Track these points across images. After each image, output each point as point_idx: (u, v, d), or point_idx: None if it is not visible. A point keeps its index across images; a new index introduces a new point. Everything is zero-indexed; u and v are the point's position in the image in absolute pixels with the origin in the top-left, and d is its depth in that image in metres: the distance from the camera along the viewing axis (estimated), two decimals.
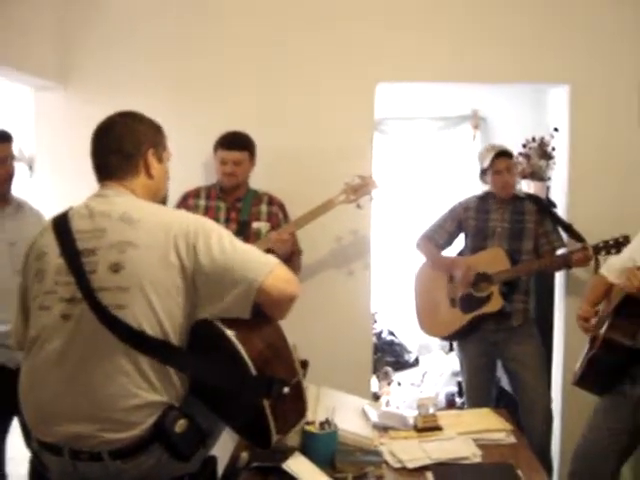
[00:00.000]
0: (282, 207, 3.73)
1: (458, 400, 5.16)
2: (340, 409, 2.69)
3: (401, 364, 6.03)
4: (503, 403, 4.42)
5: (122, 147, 2.15)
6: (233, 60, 3.96)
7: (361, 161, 3.95)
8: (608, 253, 3.50)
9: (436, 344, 5.93)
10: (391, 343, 6.13)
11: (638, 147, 2.87)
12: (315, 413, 2.55)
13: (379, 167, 5.78)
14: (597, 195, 3.95)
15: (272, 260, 2.02)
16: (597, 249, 3.56)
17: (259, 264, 1.98)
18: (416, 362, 6.08)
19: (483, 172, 3.92)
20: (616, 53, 3.96)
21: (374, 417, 2.76)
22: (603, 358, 2.93)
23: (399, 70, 3.99)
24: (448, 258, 4.04)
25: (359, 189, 3.56)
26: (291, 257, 3.56)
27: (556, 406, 4.10)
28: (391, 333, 6.21)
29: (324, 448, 2.40)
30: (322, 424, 2.44)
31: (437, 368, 5.69)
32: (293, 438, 2.41)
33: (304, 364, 2.77)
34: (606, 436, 3.02)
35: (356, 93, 3.98)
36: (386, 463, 2.46)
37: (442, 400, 5.25)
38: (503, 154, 3.86)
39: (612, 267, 3.16)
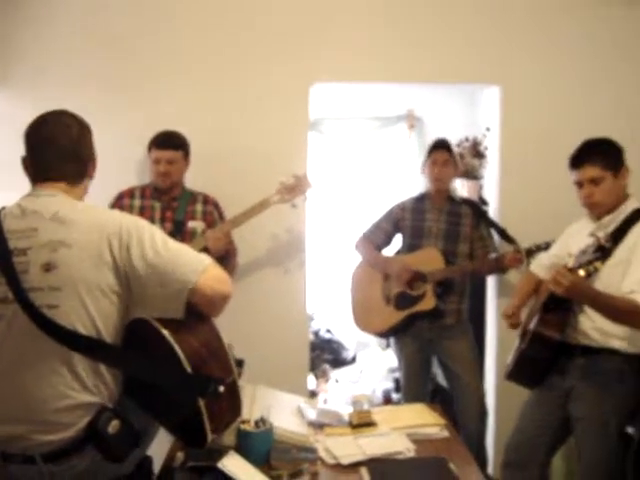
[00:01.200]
0: (217, 206, 3.73)
1: (395, 396, 5.21)
2: (276, 407, 2.71)
3: (339, 361, 6.06)
4: (439, 398, 4.50)
5: (79, 152, 2.15)
6: (168, 60, 3.93)
7: (296, 161, 3.97)
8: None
9: (373, 341, 5.97)
10: (329, 341, 6.16)
11: (567, 148, 2.94)
12: (251, 412, 2.56)
13: (316, 167, 5.83)
14: (527, 193, 4.05)
15: (205, 259, 2.02)
16: (529, 252, 3.65)
17: (192, 264, 1.98)
18: (354, 359, 6.12)
19: (423, 163, 3.99)
20: (546, 55, 4.06)
21: (310, 415, 2.79)
22: (533, 352, 3.00)
23: (334, 71, 4.02)
24: (384, 257, 4.09)
25: (294, 189, 3.58)
26: (226, 256, 3.57)
27: (490, 400, 4.19)
28: (329, 331, 6.23)
29: (259, 446, 2.41)
30: (257, 423, 2.45)
31: (374, 365, 5.73)
32: (229, 437, 2.42)
33: (240, 363, 2.76)
34: (537, 428, 3.11)
35: (291, 93, 4.00)
36: (321, 460, 2.49)
37: (379, 396, 5.29)
38: (442, 146, 3.93)
39: (541, 263, 3.26)
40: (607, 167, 2.89)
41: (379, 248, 4.09)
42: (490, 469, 4.15)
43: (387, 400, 5.23)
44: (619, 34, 4.05)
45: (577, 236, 3.02)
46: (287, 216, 3.79)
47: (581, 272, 2.63)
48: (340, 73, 4.03)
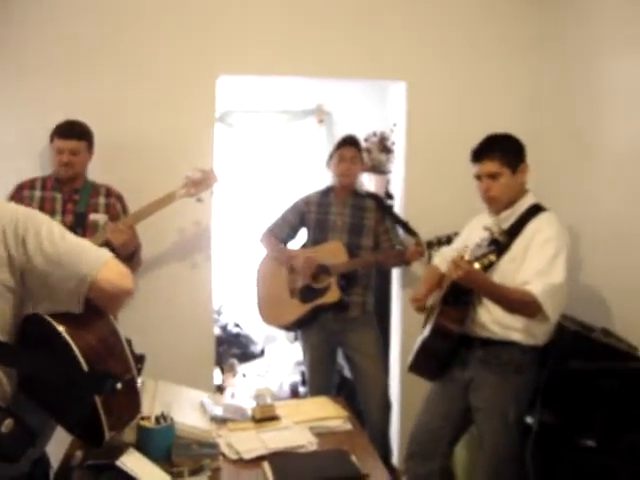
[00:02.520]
0: (120, 199, 3.65)
1: (302, 389, 5.23)
2: (178, 403, 2.69)
3: (247, 355, 6.05)
4: (345, 391, 4.53)
5: None
6: (73, 51, 3.81)
7: (202, 154, 3.92)
8: (440, 248, 3.64)
9: (282, 335, 5.98)
10: (237, 335, 6.13)
11: (471, 144, 3.00)
12: (152, 407, 2.53)
13: (224, 160, 5.80)
14: (432, 188, 4.11)
15: (105, 253, 1.99)
16: (430, 244, 3.71)
17: (91, 258, 1.94)
18: (262, 353, 6.12)
19: (330, 157, 4.00)
20: (451, 52, 4.13)
21: (212, 410, 2.77)
22: (434, 344, 3.06)
23: (240, 63, 3.97)
24: (289, 250, 4.10)
25: (200, 183, 3.54)
26: (132, 251, 3.51)
27: (395, 392, 4.25)
28: (237, 325, 6.21)
29: (160, 443, 2.38)
30: (158, 418, 2.42)
31: (282, 358, 5.75)
32: (129, 434, 2.39)
33: (140, 359, 2.72)
34: (439, 419, 3.17)
35: (197, 86, 3.93)
36: (223, 455, 2.48)
37: (286, 390, 5.31)
38: (351, 143, 3.95)
39: (443, 257, 3.32)
40: (505, 163, 2.96)
41: (284, 242, 4.10)
42: (395, 460, 4.21)
43: (294, 393, 5.24)
44: (524, 32, 4.14)
45: (476, 230, 3.09)
46: (193, 210, 3.73)
47: (476, 265, 2.70)
48: (246, 66, 4.00)
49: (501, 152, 2.97)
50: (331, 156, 3.99)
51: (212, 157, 3.97)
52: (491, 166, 2.96)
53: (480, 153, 3.01)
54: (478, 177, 3.03)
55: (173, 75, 3.91)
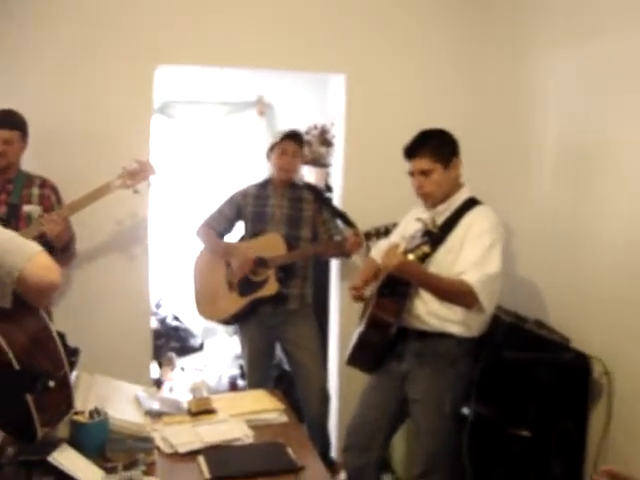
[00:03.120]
0: (55, 190, 3.58)
1: (241, 382, 5.21)
2: (113, 397, 2.66)
3: (186, 349, 5.99)
4: (284, 384, 4.53)
5: None
6: (7, 39, 3.71)
7: (140, 145, 3.86)
8: (378, 239, 3.65)
9: (221, 328, 5.92)
10: (176, 328, 6.08)
11: (409, 137, 3.02)
12: (86, 402, 2.49)
13: (164, 151, 5.75)
14: (370, 181, 4.12)
15: (33, 247, 1.95)
16: (368, 235, 3.71)
17: (19, 251, 1.91)
18: (201, 347, 6.07)
19: (271, 149, 3.97)
20: (391, 45, 4.14)
21: (147, 404, 2.74)
22: (370, 337, 3.06)
23: (179, 54, 3.91)
24: (227, 243, 4.07)
25: (136, 174, 3.49)
26: (66, 243, 3.45)
27: (333, 385, 4.26)
28: (176, 318, 6.16)
29: (94, 438, 2.34)
30: (92, 413, 2.38)
31: (221, 352, 5.72)
32: (62, 429, 2.34)
33: (74, 352, 2.68)
34: (376, 411, 3.19)
35: (134, 76, 3.86)
36: (158, 449, 2.45)
37: (225, 383, 5.28)
38: (294, 137, 3.94)
39: (380, 249, 3.34)
40: (437, 159, 2.97)
41: (221, 235, 4.06)
42: (334, 454, 4.22)
43: (233, 387, 5.22)
44: (464, 27, 4.18)
45: (412, 223, 3.10)
46: (130, 202, 3.68)
47: (411, 256, 2.72)
48: (185, 56, 3.94)
49: (433, 149, 2.98)
50: (272, 148, 3.96)
51: (149, 148, 3.92)
52: (423, 163, 2.98)
53: (412, 150, 3.03)
54: (411, 173, 3.05)
55: (110, 65, 3.83)
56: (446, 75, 4.21)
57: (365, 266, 3.43)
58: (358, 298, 3.24)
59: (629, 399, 2.91)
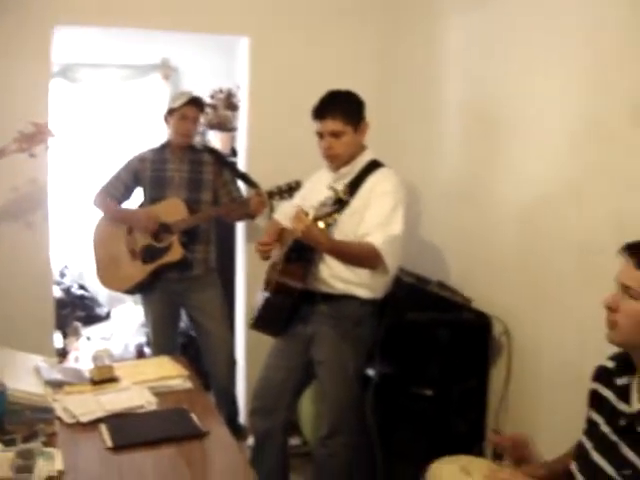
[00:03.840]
0: None
1: (147, 350, 5.15)
2: (11, 368, 2.59)
3: (92, 318, 5.88)
4: (192, 351, 4.50)
5: None
6: None
7: (37, 109, 3.72)
8: (282, 199, 3.63)
9: (128, 296, 5.86)
10: (81, 297, 5.95)
11: (313, 101, 3.00)
12: None
13: (65, 116, 5.57)
14: (274, 144, 4.09)
15: None
16: (271, 194, 3.68)
17: None
18: (108, 315, 5.97)
19: (170, 113, 3.88)
20: (294, 8, 4.10)
21: (47, 374, 2.67)
22: (277, 301, 3.06)
23: (78, 13, 3.77)
24: (126, 210, 3.98)
25: (33, 137, 3.37)
26: None
27: (240, 350, 4.26)
28: (81, 287, 6.03)
29: None
30: None
31: (128, 320, 5.63)
32: None
33: None
34: (281, 374, 3.20)
35: (30, 37, 3.70)
36: (59, 419, 2.41)
37: (132, 351, 5.21)
38: (196, 102, 3.87)
39: (284, 211, 3.32)
40: (348, 122, 2.97)
41: (119, 201, 3.95)
42: (242, 419, 4.23)
43: (140, 355, 5.15)
44: None
45: (317, 187, 3.10)
46: (27, 167, 3.56)
47: (321, 224, 2.71)
48: (84, 16, 3.80)
49: (344, 111, 2.97)
50: (171, 112, 3.88)
51: (47, 112, 3.78)
52: (335, 125, 2.96)
53: (322, 111, 3.00)
54: (320, 134, 3.03)
55: (5, 25, 3.67)
56: (350, 40, 4.19)
57: (269, 227, 3.41)
58: (265, 254, 3.19)
59: (527, 357, 3.00)
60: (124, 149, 5.53)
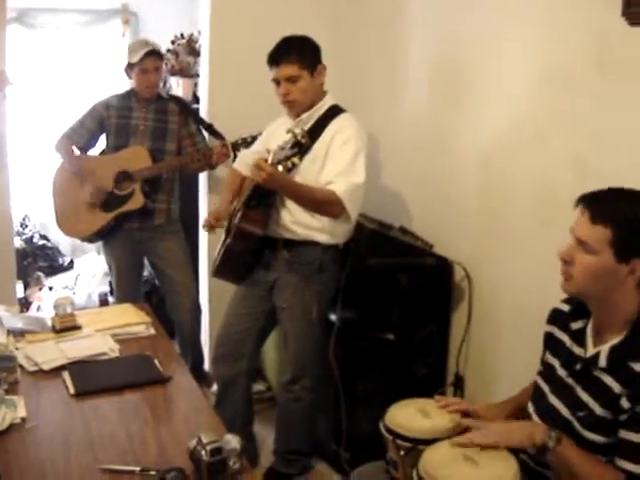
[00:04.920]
0: None
1: (111, 300, 5.13)
2: None
3: (55, 268, 5.83)
4: (156, 299, 4.51)
5: None
6: None
7: None
8: (246, 149, 3.61)
9: (91, 245, 5.78)
10: (43, 247, 5.89)
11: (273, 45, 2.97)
12: None
13: (23, 63, 5.45)
14: (236, 91, 4.02)
15: None
16: (235, 145, 3.66)
17: None
18: (71, 265, 5.92)
19: (130, 66, 3.82)
20: None
21: (9, 322, 2.66)
22: (238, 248, 3.05)
23: None
24: (85, 159, 3.91)
25: None
26: None
27: (204, 298, 4.26)
28: (43, 237, 5.97)
29: None
30: None
31: (91, 269, 5.60)
32: None
33: None
34: (243, 321, 3.21)
35: None
36: (22, 367, 2.41)
37: (95, 300, 5.18)
38: (154, 53, 3.80)
39: (243, 160, 3.30)
40: (304, 66, 2.93)
41: (83, 149, 3.90)
42: (207, 366, 4.25)
43: (103, 303, 5.12)
44: None
45: (276, 133, 3.07)
46: None
47: (280, 168, 2.69)
48: None
49: (299, 55, 2.94)
50: (131, 65, 3.80)
51: (3, 59, 3.69)
52: (290, 70, 2.93)
53: (277, 56, 2.97)
54: (276, 81, 2.99)
55: None
56: None
57: (228, 179, 3.40)
58: (211, 228, 3.22)
59: (488, 301, 3.04)
60: (84, 96, 5.43)
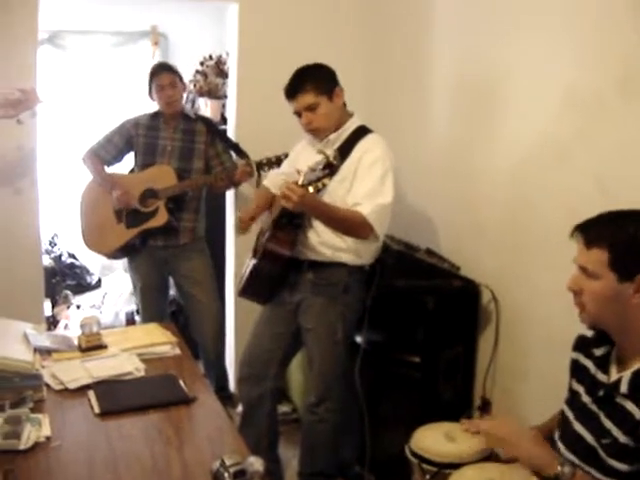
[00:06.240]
0: None
1: (138, 319, 5.16)
2: (0, 335, 2.59)
3: (83, 287, 5.88)
4: (182, 318, 4.52)
5: None
6: None
7: (24, 76, 3.68)
8: (270, 169, 3.62)
9: (119, 264, 5.84)
10: (71, 266, 5.95)
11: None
12: None
13: (53, 83, 5.52)
14: (262, 112, 4.03)
15: None
16: (260, 165, 3.67)
17: None
18: (98, 284, 5.97)
19: (150, 90, 3.88)
20: None
21: (36, 341, 2.68)
22: (265, 269, 3.06)
23: None
24: (112, 177, 3.95)
25: (19, 103, 3.33)
26: None
27: (230, 318, 4.26)
28: (72, 256, 6.02)
29: None
30: None
31: (118, 288, 5.63)
32: None
33: None
34: (269, 342, 3.20)
35: (18, 3, 3.66)
36: (48, 386, 2.41)
37: (122, 319, 5.22)
38: (164, 69, 3.84)
39: (273, 179, 3.32)
40: (320, 92, 2.95)
41: (109, 164, 3.96)
42: (232, 387, 4.24)
43: (130, 322, 5.16)
44: None
45: (305, 153, 3.09)
46: (15, 133, 3.52)
47: (310, 189, 2.69)
48: None
49: (313, 83, 2.95)
50: (150, 87, 3.86)
51: (35, 77, 3.75)
52: (307, 99, 2.95)
53: (292, 89, 2.99)
54: (297, 113, 3.01)
55: None
56: (339, 7, 4.15)
57: (257, 196, 3.41)
58: (244, 230, 3.21)
59: (515, 324, 3.00)
60: (113, 116, 5.49)
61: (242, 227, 3.21)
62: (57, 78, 5.78)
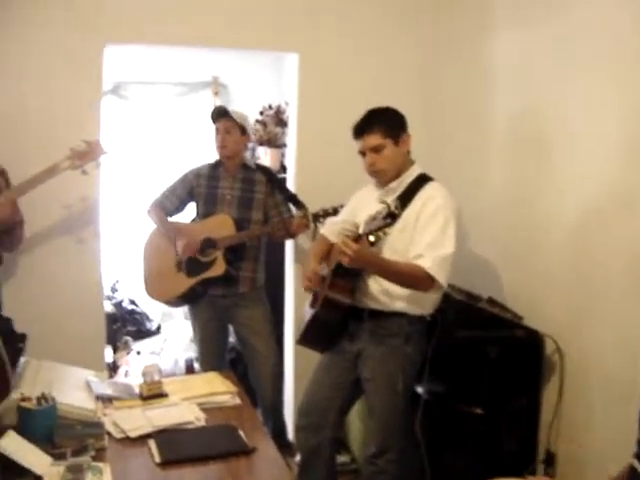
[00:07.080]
0: (3, 173, 3.49)
1: (197, 366, 5.16)
2: (62, 382, 2.62)
3: (143, 333, 5.94)
4: (241, 367, 4.51)
5: None
6: None
7: (89, 126, 3.78)
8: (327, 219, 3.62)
9: (178, 311, 5.89)
10: (132, 312, 6.02)
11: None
12: (33, 388, 2.45)
13: (116, 133, 5.66)
14: (322, 161, 4.09)
15: None
16: (316, 217, 3.68)
17: None
18: (158, 330, 6.02)
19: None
20: (344, 24, 4.11)
21: (98, 388, 2.70)
22: (324, 317, 3.05)
23: (128, 32, 3.83)
24: (176, 225, 4.01)
25: (85, 155, 3.42)
26: (13, 226, 3.39)
27: (289, 367, 4.25)
28: (132, 302, 6.09)
29: (41, 424, 2.30)
30: (39, 399, 2.34)
31: (178, 335, 5.67)
32: (9, 416, 2.31)
33: (21, 337, 2.65)
34: (327, 391, 3.18)
35: (83, 55, 3.77)
36: (109, 434, 2.43)
37: (182, 366, 5.24)
38: (221, 114, 3.90)
39: (331, 228, 3.32)
40: (387, 135, 2.96)
41: (171, 214, 4.02)
42: (290, 436, 4.21)
43: (190, 370, 5.18)
44: (417, 4, 4.17)
45: (364, 202, 3.09)
46: (79, 183, 3.59)
47: (371, 238, 2.68)
48: (135, 35, 3.85)
49: (381, 124, 2.97)
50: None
51: (99, 129, 3.84)
52: (374, 139, 2.96)
53: (361, 128, 3.01)
54: (362, 153, 3.03)
55: (58, 44, 3.74)
56: (398, 55, 4.18)
57: (316, 245, 3.41)
58: (309, 289, 3.19)
59: (580, 376, 2.94)
60: (175, 165, 5.60)
61: (310, 287, 3.17)
62: (121, 128, 5.92)
